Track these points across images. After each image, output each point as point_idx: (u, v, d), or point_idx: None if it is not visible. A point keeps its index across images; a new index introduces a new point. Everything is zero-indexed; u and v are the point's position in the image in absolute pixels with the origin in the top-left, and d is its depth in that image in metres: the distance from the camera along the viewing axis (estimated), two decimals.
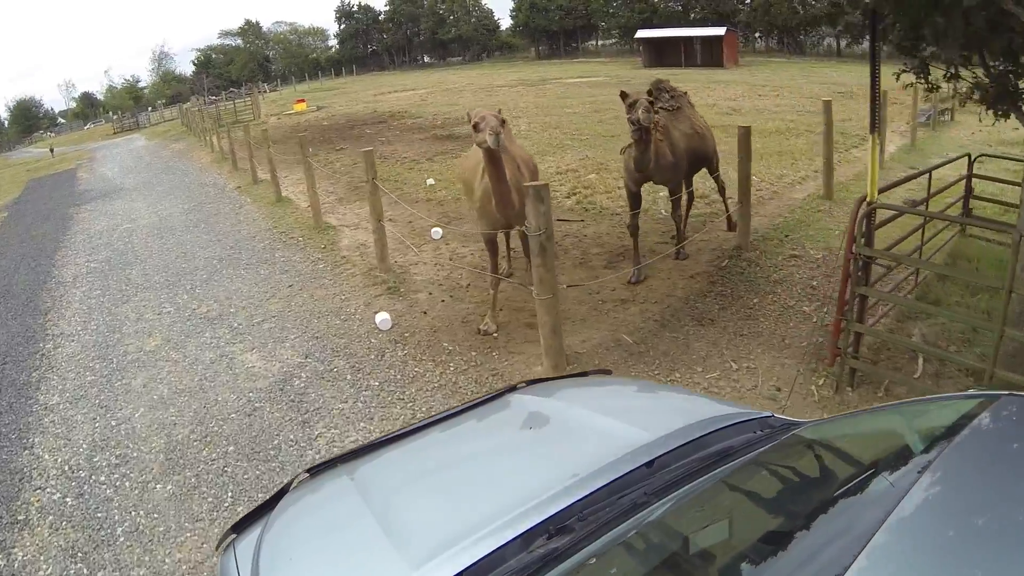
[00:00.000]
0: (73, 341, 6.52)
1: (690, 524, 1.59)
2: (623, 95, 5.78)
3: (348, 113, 27.48)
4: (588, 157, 12.40)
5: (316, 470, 2.26)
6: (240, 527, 2.10)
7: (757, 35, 47.65)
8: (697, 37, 41.12)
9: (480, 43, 72.33)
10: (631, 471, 1.70)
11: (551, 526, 1.53)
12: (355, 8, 76.50)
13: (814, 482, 1.71)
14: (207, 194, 13.87)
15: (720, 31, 40.09)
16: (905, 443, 1.69)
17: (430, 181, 11.45)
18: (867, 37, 3.82)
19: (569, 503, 1.59)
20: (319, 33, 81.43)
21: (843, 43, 43.80)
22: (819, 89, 26.03)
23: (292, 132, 22.07)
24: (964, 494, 1.33)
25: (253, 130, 18.55)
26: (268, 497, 2.18)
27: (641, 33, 44.41)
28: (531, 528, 1.53)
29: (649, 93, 6.00)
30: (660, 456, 1.76)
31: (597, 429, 2.01)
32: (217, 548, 2.15)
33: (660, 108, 6.34)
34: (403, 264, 7.40)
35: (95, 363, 5.91)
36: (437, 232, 8.24)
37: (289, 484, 2.23)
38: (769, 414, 2.09)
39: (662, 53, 41.82)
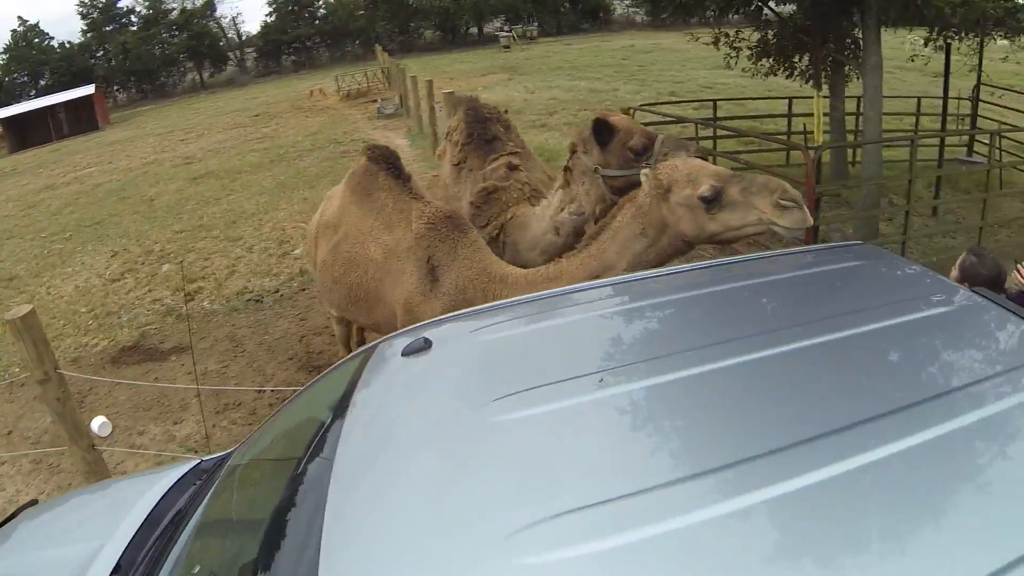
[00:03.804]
0: None
1: None
2: None
3: None
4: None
5: None
6: None
7: (116, 88, 45.07)
8: (62, 103, 36.95)
9: None
10: None
11: None
12: None
13: (265, 493, 1.73)
14: None
15: (88, 90, 36.07)
16: (319, 422, 1.77)
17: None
18: None
19: None
20: None
21: (207, 75, 45.10)
22: (229, 118, 25.54)
23: None
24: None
25: None
26: None
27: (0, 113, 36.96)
28: None
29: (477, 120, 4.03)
30: (123, 555, 1.75)
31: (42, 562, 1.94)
32: None
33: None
34: None
35: None
36: (104, 426, 3.85)
37: None
38: (198, 460, 2.09)
39: (27, 132, 36.04)
